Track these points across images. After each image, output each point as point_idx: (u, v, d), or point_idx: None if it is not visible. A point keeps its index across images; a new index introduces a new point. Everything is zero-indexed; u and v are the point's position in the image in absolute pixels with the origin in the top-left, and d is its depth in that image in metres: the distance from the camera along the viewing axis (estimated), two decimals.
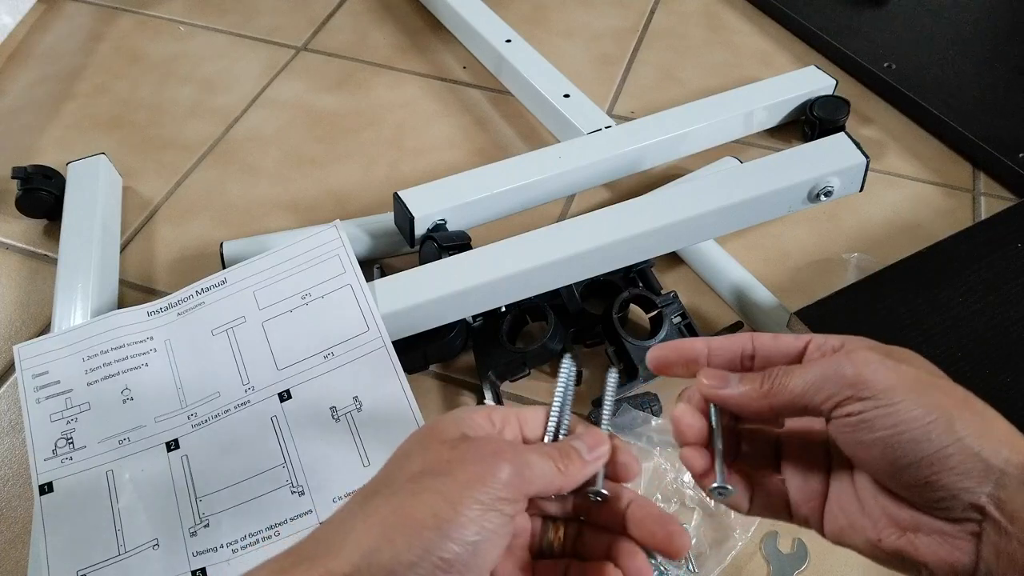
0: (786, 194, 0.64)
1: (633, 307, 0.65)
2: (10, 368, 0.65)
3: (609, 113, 0.85)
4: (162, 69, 0.93)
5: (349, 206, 0.77)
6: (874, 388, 0.32)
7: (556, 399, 0.39)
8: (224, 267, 0.67)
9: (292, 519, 0.53)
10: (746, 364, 0.37)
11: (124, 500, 0.54)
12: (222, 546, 0.52)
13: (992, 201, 0.75)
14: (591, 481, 0.37)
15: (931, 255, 0.65)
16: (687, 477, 0.54)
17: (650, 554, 0.36)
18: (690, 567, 0.51)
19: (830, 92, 0.79)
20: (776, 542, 0.53)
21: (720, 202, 0.62)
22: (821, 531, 0.36)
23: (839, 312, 0.61)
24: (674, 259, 0.70)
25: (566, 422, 0.38)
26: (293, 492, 0.54)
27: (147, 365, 0.59)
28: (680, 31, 0.95)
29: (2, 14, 0.96)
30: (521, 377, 0.61)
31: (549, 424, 0.38)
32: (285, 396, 0.57)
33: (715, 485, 0.35)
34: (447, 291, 0.59)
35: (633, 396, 0.59)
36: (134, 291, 0.71)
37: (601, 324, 0.62)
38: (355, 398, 0.57)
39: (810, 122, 0.78)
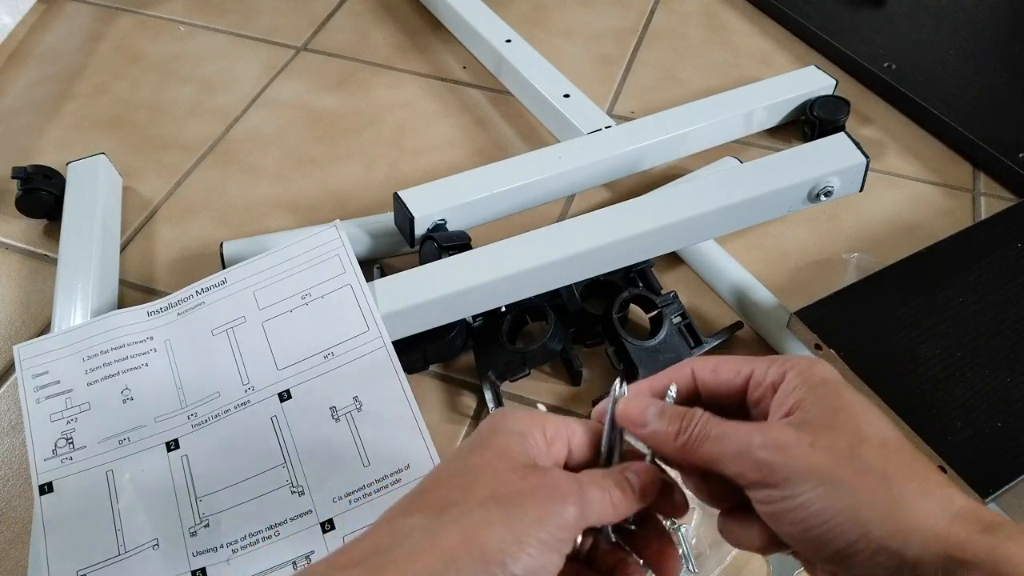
0: (786, 194, 0.64)
1: (633, 307, 0.65)
2: (10, 368, 0.65)
3: (609, 113, 0.85)
4: (162, 69, 0.93)
5: (349, 206, 0.77)
6: (778, 476, 0.31)
7: (607, 421, 0.38)
8: (224, 267, 0.67)
9: (292, 519, 0.53)
10: (692, 397, 0.37)
11: (124, 500, 0.54)
12: (222, 546, 0.52)
13: (992, 201, 0.75)
14: None
15: (931, 255, 0.65)
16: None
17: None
18: (690, 567, 0.51)
19: (830, 92, 0.79)
20: None
21: (720, 202, 0.62)
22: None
23: (839, 312, 0.61)
24: (674, 259, 0.70)
25: (619, 448, 0.38)
26: (293, 492, 0.54)
27: (147, 365, 0.59)
28: (680, 31, 0.95)
29: (2, 14, 0.96)
30: (521, 377, 0.61)
31: (603, 447, 0.37)
32: (285, 396, 0.57)
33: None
34: (447, 291, 0.59)
35: None
36: (134, 291, 0.71)
37: (601, 324, 0.62)
38: (355, 398, 0.57)
39: (810, 122, 0.78)
